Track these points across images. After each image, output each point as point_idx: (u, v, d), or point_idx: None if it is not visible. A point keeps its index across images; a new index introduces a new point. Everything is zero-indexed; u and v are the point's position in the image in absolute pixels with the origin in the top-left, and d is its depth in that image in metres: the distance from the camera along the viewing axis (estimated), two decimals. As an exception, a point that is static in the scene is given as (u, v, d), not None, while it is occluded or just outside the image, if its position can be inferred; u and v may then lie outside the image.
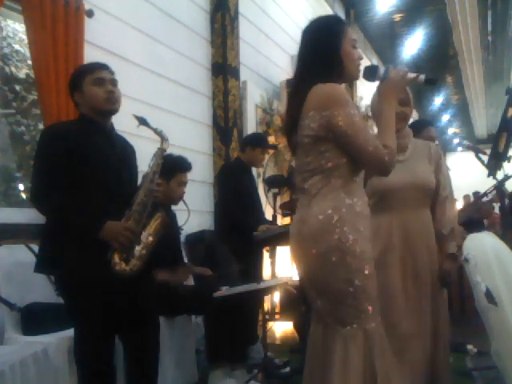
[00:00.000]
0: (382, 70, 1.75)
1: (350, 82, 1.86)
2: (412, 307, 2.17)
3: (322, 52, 1.69)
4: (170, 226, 2.75)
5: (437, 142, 3.53)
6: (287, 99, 1.82)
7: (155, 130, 2.21)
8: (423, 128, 3.53)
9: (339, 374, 1.53)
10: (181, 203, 3.01)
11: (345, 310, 1.59)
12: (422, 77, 1.76)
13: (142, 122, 2.19)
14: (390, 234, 2.22)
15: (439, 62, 10.63)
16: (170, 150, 2.31)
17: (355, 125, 1.58)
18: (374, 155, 1.59)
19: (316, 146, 1.63)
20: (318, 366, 1.63)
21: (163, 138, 2.22)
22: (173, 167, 2.88)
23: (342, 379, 1.53)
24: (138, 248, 2.05)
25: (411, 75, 1.73)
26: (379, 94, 1.74)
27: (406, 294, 2.18)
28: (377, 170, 1.71)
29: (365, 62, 1.81)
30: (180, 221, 3.10)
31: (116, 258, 2.00)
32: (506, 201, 3.31)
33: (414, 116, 14.71)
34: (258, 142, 3.74)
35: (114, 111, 2.18)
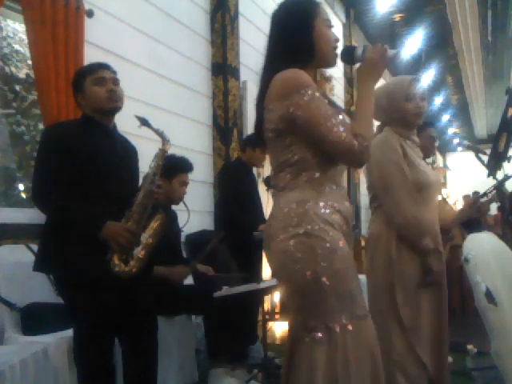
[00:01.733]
0: (360, 50, 1.56)
1: (327, 67, 1.66)
2: None
3: (291, 34, 1.53)
4: (171, 227, 2.76)
5: (437, 143, 3.53)
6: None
7: (157, 131, 2.21)
8: (423, 129, 3.54)
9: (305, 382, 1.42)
10: (181, 203, 3.02)
11: (308, 312, 1.44)
12: (398, 50, 1.60)
13: (144, 122, 2.19)
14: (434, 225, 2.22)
15: (439, 62, 10.63)
16: (169, 150, 2.31)
17: (315, 112, 1.42)
18: (339, 144, 1.42)
19: (280, 139, 1.50)
20: (285, 372, 1.55)
21: (164, 140, 2.22)
22: (174, 167, 2.89)
23: None
24: (137, 249, 2.05)
25: (391, 52, 1.55)
26: (357, 78, 1.56)
27: None
28: (345, 161, 1.53)
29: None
30: (180, 221, 3.10)
31: (115, 259, 2.00)
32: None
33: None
34: (258, 142, 3.74)
35: (117, 109, 2.16)
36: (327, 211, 1.47)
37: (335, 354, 1.40)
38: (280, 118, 1.47)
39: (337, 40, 1.59)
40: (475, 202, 3.21)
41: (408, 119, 2.24)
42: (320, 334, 1.42)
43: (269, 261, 1.57)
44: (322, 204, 1.47)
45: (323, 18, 1.56)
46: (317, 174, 1.49)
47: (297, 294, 1.47)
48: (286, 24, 1.56)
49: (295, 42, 1.52)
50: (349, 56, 1.58)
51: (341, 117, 1.46)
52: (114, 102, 2.13)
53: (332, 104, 1.55)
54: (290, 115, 1.44)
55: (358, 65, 1.58)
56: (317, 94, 1.45)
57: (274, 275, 1.58)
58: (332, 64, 1.61)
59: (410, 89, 2.22)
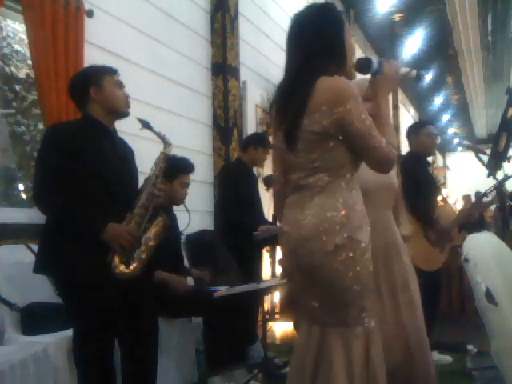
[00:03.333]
0: (375, 62, 1.69)
1: (346, 75, 1.72)
2: None
3: (330, 42, 1.59)
4: (171, 228, 2.75)
5: (438, 141, 3.54)
6: (280, 90, 1.69)
7: (158, 134, 2.22)
8: (421, 127, 3.55)
9: (344, 374, 1.50)
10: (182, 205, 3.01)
11: (348, 309, 1.55)
12: (414, 72, 1.74)
13: (146, 125, 2.21)
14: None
15: (439, 62, 10.63)
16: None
17: (364, 121, 1.53)
18: (382, 153, 1.55)
19: (323, 143, 1.55)
20: (312, 366, 1.58)
21: (166, 143, 2.22)
22: (175, 168, 2.88)
23: (346, 379, 1.50)
24: (138, 251, 2.05)
25: (404, 70, 1.71)
26: (375, 89, 1.68)
27: None
28: (382, 168, 1.63)
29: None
30: (180, 221, 3.09)
31: (116, 261, 2.00)
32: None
33: (414, 116, 14.72)
34: (260, 141, 3.75)
35: (128, 114, 2.23)
36: (363, 216, 1.59)
37: (372, 347, 1.53)
38: (330, 122, 1.52)
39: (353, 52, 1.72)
40: (474, 204, 3.22)
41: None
42: (359, 329, 1.54)
43: (298, 264, 1.60)
44: (359, 209, 1.59)
45: (348, 28, 1.66)
46: (352, 178, 1.60)
47: (337, 293, 1.55)
48: (322, 29, 1.60)
49: (334, 46, 1.60)
50: (365, 66, 1.68)
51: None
52: (128, 107, 2.21)
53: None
54: (339, 121, 1.52)
55: (368, 75, 1.70)
56: (362, 103, 1.56)
57: (305, 278, 1.60)
58: (350, 75, 1.68)
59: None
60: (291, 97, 1.60)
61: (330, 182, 1.56)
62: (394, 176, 2.29)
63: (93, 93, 2.15)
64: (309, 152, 1.58)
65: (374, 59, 1.70)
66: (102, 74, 2.17)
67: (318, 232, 1.53)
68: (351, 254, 1.53)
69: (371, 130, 1.53)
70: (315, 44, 1.59)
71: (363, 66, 1.69)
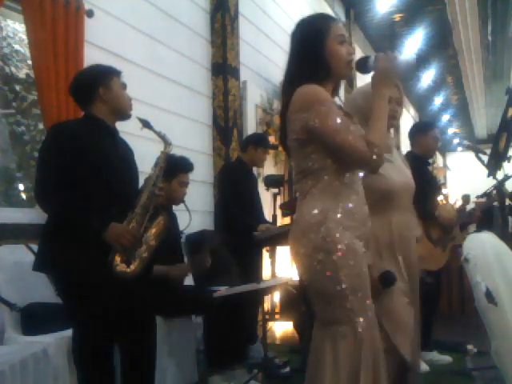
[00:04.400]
0: (372, 59, 1.66)
1: (342, 79, 1.78)
2: None
3: (305, 53, 1.66)
4: (171, 228, 2.75)
5: (440, 144, 3.53)
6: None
7: (159, 134, 2.23)
8: (430, 129, 3.52)
9: (330, 375, 1.53)
10: (182, 205, 3.01)
11: (333, 309, 1.57)
12: (413, 58, 1.68)
13: (146, 124, 2.21)
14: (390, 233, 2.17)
15: (439, 62, 10.63)
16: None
17: (331, 123, 1.55)
18: (353, 152, 1.55)
19: (302, 148, 1.63)
20: (313, 367, 1.63)
21: (166, 142, 2.23)
22: (174, 167, 2.87)
23: (332, 379, 1.52)
24: (139, 251, 2.06)
25: (402, 59, 1.64)
26: (371, 87, 1.67)
27: None
28: (360, 167, 1.68)
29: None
30: (180, 221, 3.09)
31: (117, 260, 2.00)
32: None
33: (414, 116, 14.72)
34: (260, 141, 3.75)
35: (130, 117, 2.26)
36: (345, 217, 1.59)
37: (361, 346, 1.52)
38: (301, 128, 1.59)
39: (350, 53, 1.67)
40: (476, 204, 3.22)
41: None
42: (344, 328, 1.55)
43: (296, 263, 1.69)
44: (340, 210, 1.59)
45: (336, 34, 1.66)
46: (336, 181, 1.62)
47: (322, 293, 1.60)
48: (301, 43, 1.70)
49: (310, 60, 1.65)
50: (363, 66, 1.67)
51: (354, 127, 1.59)
52: (131, 110, 2.25)
53: (347, 115, 1.67)
54: (309, 126, 1.57)
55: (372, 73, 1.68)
56: (333, 107, 1.59)
57: (301, 275, 1.72)
58: (346, 76, 1.72)
59: None
60: (281, 109, 1.74)
61: (313, 186, 1.63)
62: (411, 177, 2.23)
63: (102, 93, 2.15)
64: (294, 158, 1.68)
65: (373, 56, 1.66)
66: (110, 75, 2.18)
67: (300, 235, 1.62)
68: (327, 255, 1.56)
69: (339, 132, 1.55)
70: (295, 59, 1.70)
71: (361, 65, 1.68)
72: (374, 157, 1.56)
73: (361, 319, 1.55)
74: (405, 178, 2.18)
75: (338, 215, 1.59)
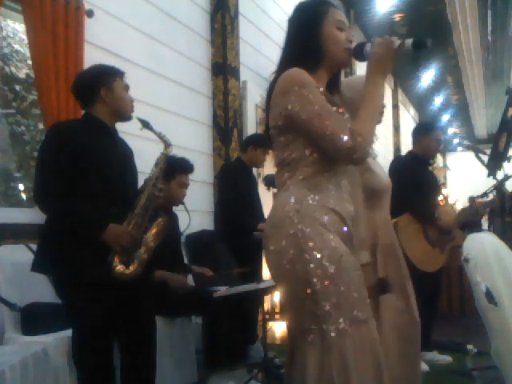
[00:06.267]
0: (369, 45, 1.50)
1: (340, 67, 1.63)
2: None
3: (299, 37, 1.54)
4: (171, 229, 2.75)
5: (442, 146, 3.52)
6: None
7: (159, 135, 2.22)
8: (433, 130, 3.52)
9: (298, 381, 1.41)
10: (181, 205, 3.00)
11: (303, 314, 1.41)
12: (409, 41, 1.45)
13: (146, 125, 2.21)
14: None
15: (439, 62, 10.63)
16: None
17: (311, 108, 1.40)
18: (334, 142, 1.39)
19: (281, 137, 1.49)
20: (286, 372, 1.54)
21: (166, 143, 2.22)
22: (174, 168, 2.87)
23: None
24: (138, 252, 2.06)
25: (397, 43, 1.46)
26: (366, 74, 1.51)
27: None
28: (337, 157, 1.46)
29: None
30: (180, 221, 3.09)
31: (116, 261, 2.00)
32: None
33: (414, 116, 14.72)
34: (260, 142, 3.75)
35: (131, 118, 2.25)
36: (320, 212, 1.44)
37: (330, 358, 1.36)
38: (280, 114, 1.47)
39: (349, 40, 1.54)
40: (472, 205, 3.22)
41: None
42: (312, 336, 1.39)
43: (266, 261, 1.55)
44: (315, 204, 1.45)
45: (334, 19, 1.54)
46: (313, 173, 1.47)
47: (291, 295, 1.45)
48: (296, 28, 1.57)
49: (304, 45, 1.53)
50: (360, 53, 1.53)
51: (338, 114, 1.44)
52: (132, 112, 2.24)
53: (333, 103, 1.51)
54: (288, 112, 1.44)
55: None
56: (315, 91, 1.43)
57: (271, 275, 1.55)
58: (344, 64, 1.58)
59: None
60: (266, 98, 1.60)
61: (288, 178, 1.49)
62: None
63: (103, 93, 2.14)
64: (275, 148, 1.55)
65: (370, 43, 1.51)
66: (113, 76, 2.17)
67: (273, 230, 1.48)
68: (299, 253, 1.39)
69: (319, 117, 1.40)
70: (289, 45, 1.58)
71: (358, 53, 1.54)
72: (356, 147, 1.39)
73: (339, 324, 1.37)
74: (386, 177, 2.16)
75: (314, 210, 1.43)
